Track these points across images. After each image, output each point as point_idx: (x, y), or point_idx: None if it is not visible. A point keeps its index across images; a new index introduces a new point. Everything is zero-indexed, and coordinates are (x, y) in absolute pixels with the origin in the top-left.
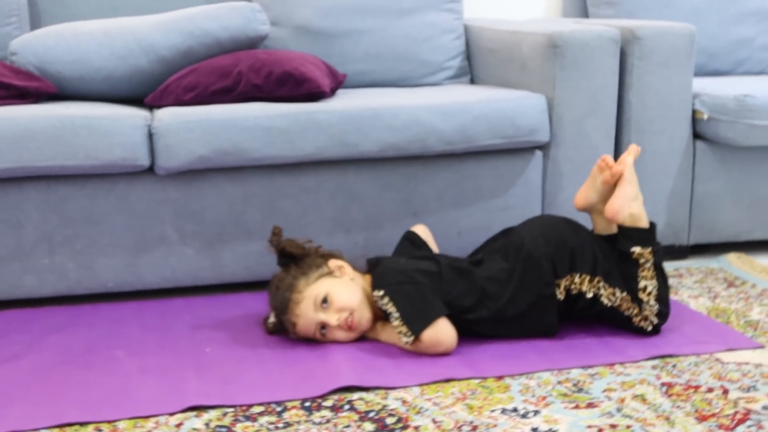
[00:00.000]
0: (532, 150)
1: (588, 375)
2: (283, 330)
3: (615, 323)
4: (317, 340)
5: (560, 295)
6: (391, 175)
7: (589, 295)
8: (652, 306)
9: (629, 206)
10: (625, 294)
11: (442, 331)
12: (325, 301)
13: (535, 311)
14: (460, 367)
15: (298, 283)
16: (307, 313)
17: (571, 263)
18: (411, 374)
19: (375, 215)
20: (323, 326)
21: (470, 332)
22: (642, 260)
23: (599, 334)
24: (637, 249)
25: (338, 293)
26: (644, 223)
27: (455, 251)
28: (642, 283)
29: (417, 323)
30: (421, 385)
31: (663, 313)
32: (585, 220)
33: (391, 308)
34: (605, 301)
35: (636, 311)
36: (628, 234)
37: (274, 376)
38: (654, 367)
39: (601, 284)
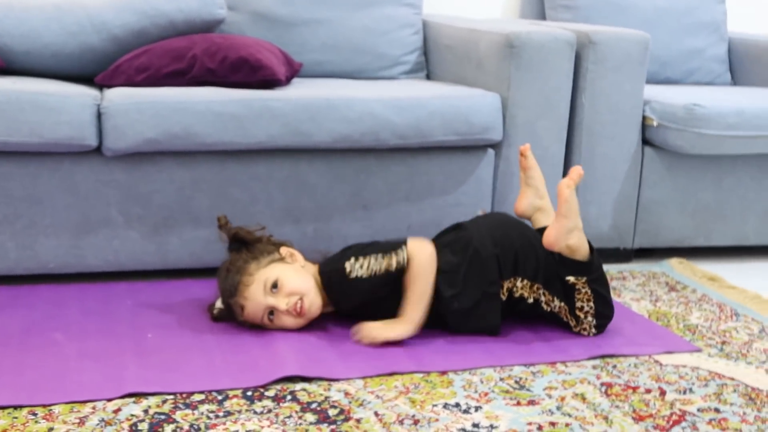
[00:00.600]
0: (484, 148)
1: (530, 372)
2: (228, 318)
3: (557, 324)
4: (264, 326)
5: (503, 295)
6: (343, 167)
7: (530, 300)
8: (589, 321)
9: (566, 238)
10: (563, 304)
11: (416, 240)
12: (275, 285)
13: (479, 309)
14: (404, 361)
15: (249, 266)
16: (256, 297)
17: (514, 266)
18: (355, 367)
19: (325, 206)
20: (271, 311)
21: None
22: (578, 286)
23: (543, 332)
24: (571, 278)
25: (289, 278)
26: (581, 255)
27: None
28: (578, 304)
29: (394, 246)
30: (364, 377)
31: (602, 325)
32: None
33: (364, 262)
34: (545, 307)
35: (574, 323)
36: (564, 262)
37: (217, 364)
38: (595, 367)
39: (541, 291)
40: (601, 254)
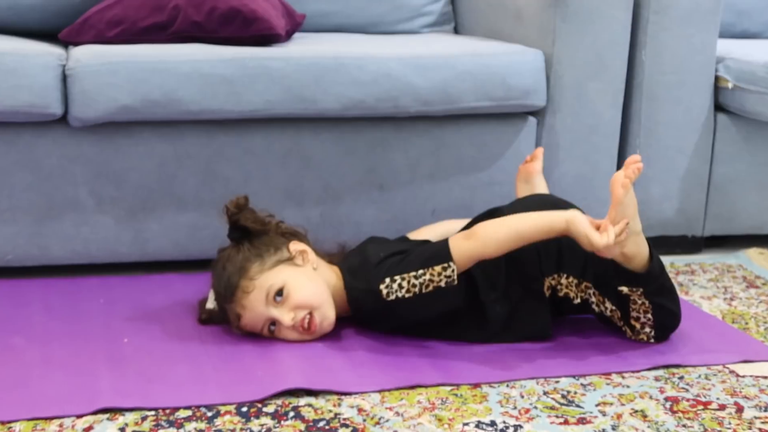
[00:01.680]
0: (524, 116)
1: (580, 385)
2: (220, 319)
3: (611, 327)
4: (264, 336)
5: (546, 292)
6: (355, 139)
7: (577, 300)
8: (647, 332)
9: (621, 244)
10: (616, 309)
11: (458, 241)
12: (280, 294)
13: (524, 310)
14: (429, 372)
15: (251, 268)
16: (256, 306)
17: (558, 261)
18: (370, 378)
19: (333, 186)
20: (273, 323)
21: (445, 335)
22: (633, 297)
23: (594, 336)
24: (624, 289)
25: (297, 287)
26: (639, 263)
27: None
28: (634, 314)
29: (438, 256)
30: (381, 391)
31: (662, 336)
32: (587, 205)
33: (403, 282)
34: (595, 308)
35: (629, 332)
36: (617, 270)
37: (206, 374)
38: (657, 379)
39: (591, 291)
40: (666, 244)
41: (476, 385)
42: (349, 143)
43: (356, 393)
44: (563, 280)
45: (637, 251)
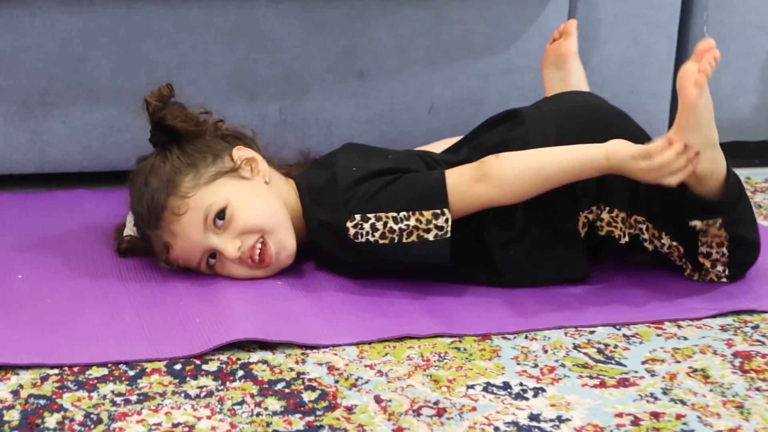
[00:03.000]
0: None
1: (622, 337)
2: (143, 250)
3: (663, 265)
4: (201, 273)
5: (581, 231)
6: (326, 10)
7: (624, 239)
8: (718, 271)
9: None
10: (676, 245)
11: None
12: (221, 216)
13: (549, 254)
14: (422, 319)
15: (182, 182)
16: (190, 233)
17: (598, 189)
18: (345, 326)
19: (297, 74)
20: (213, 254)
21: (445, 277)
22: (705, 230)
23: (640, 275)
24: (698, 223)
25: (245, 206)
26: (714, 184)
27: (422, 137)
28: (703, 249)
29: (433, 194)
30: (359, 344)
31: (737, 274)
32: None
33: (378, 223)
34: (648, 246)
35: (689, 269)
36: (687, 198)
37: (127, 321)
38: (724, 329)
39: (644, 226)
40: (740, 152)
41: (485, 337)
42: (319, 16)
43: (326, 346)
44: (605, 215)
45: (713, 168)
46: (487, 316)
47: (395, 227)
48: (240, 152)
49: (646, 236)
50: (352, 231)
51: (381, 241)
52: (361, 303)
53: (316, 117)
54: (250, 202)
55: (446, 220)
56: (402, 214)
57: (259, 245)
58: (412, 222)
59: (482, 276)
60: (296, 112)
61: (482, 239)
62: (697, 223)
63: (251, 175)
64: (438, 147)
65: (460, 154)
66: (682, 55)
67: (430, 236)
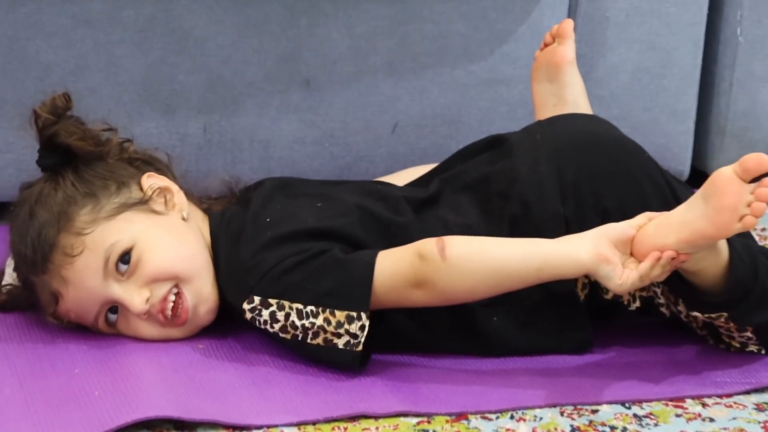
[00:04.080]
0: None
1: (632, 418)
2: (26, 303)
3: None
4: (99, 332)
5: (581, 292)
6: (263, 4)
7: (634, 304)
8: (751, 350)
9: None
10: (695, 315)
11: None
12: (126, 259)
13: (545, 320)
14: (382, 394)
15: (78, 214)
16: (86, 279)
17: None
18: (281, 402)
19: (226, 81)
20: (114, 308)
21: (415, 346)
22: (716, 323)
23: (654, 341)
24: (698, 315)
25: (156, 246)
26: (710, 281)
27: (383, 163)
28: (724, 332)
29: (351, 289)
30: (301, 424)
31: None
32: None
33: (280, 314)
34: (664, 311)
35: (715, 342)
36: (684, 287)
37: (6, 395)
38: (760, 408)
39: (658, 288)
40: None
41: (460, 416)
42: (254, 10)
43: (259, 427)
44: None
45: (707, 266)
46: (463, 390)
47: (298, 323)
48: (151, 180)
49: (661, 300)
50: (248, 315)
51: (281, 335)
52: (303, 373)
53: (249, 137)
54: (163, 243)
55: (361, 327)
56: (309, 308)
57: (172, 297)
58: (319, 321)
59: (459, 346)
60: (225, 130)
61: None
62: (698, 315)
63: (164, 209)
64: (403, 178)
65: (429, 188)
66: (709, 63)
67: (340, 343)
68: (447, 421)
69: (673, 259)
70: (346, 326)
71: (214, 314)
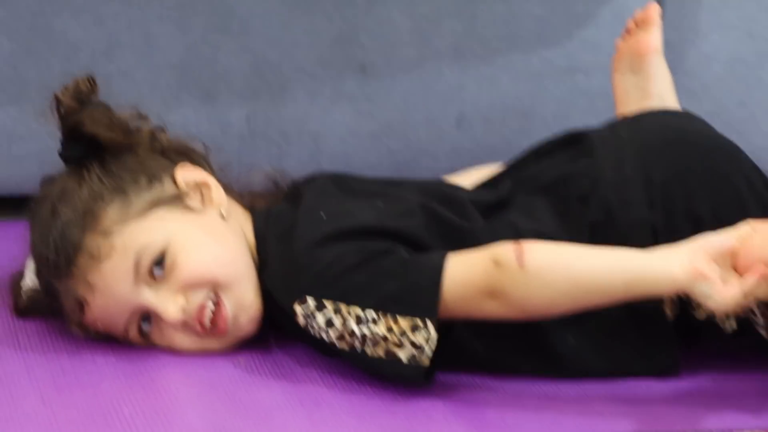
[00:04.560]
0: None
1: None
2: (48, 309)
3: None
4: (130, 342)
5: (669, 311)
6: None
7: (729, 325)
8: None
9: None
10: None
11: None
12: (160, 262)
13: (626, 342)
14: (445, 419)
15: (105, 212)
16: (115, 285)
17: None
18: (335, 427)
19: (274, 65)
20: (147, 317)
21: (480, 362)
22: None
23: (754, 363)
24: None
25: (192, 248)
26: None
27: (446, 160)
28: None
29: (418, 295)
30: None
31: None
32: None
33: (336, 319)
34: (763, 332)
35: None
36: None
37: (27, 412)
38: None
39: (757, 308)
40: None
41: None
42: None
43: None
44: None
45: None
46: (534, 417)
47: (357, 331)
48: (186, 173)
49: (760, 321)
50: (301, 319)
51: (338, 344)
52: (357, 392)
53: (298, 128)
54: (200, 244)
55: (427, 339)
56: (369, 313)
57: (211, 305)
58: (381, 329)
59: (530, 368)
60: (271, 119)
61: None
62: None
63: (201, 206)
64: (469, 178)
65: (499, 190)
66: None
67: (403, 355)
68: None
69: None
70: (410, 336)
71: (256, 324)
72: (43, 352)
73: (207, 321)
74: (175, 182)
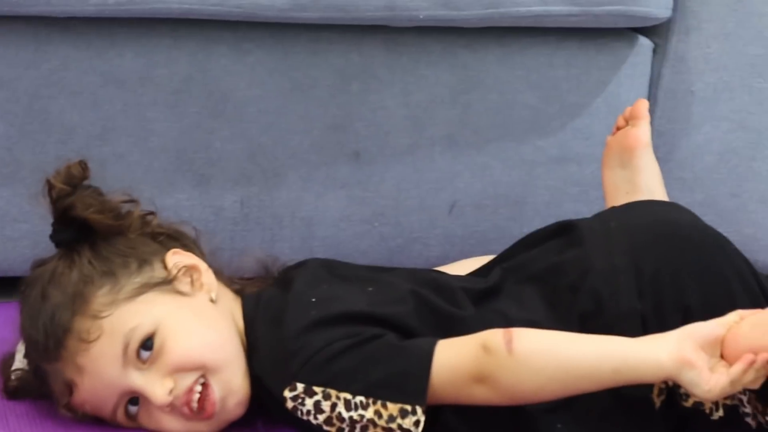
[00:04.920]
0: (630, 35)
1: None
2: (37, 391)
3: None
4: (118, 425)
5: (656, 400)
6: (310, 67)
7: (716, 413)
8: None
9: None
10: None
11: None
12: (147, 346)
13: (612, 427)
14: None
15: (95, 295)
16: (104, 368)
17: None
18: None
19: (268, 151)
20: (135, 400)
21: None
22: None
23: None
24: None
25: (181, 331)
26: None
27: (438, 246)
28: None
29: (407, 380)
30: None
31: None
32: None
33: (325, 404)
34: (750, 422)
35: None
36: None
37: None
38: None
39: (745, 396)
40: None
41: None
42: (300, 73)
43: None
44: None
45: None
46: None
47: (345, 415)
48: (177, 257)
49: (747, 409)
50: (290, 403)
51: (325, 428)
52: None
53: (291, 212)
54: (189, 328)
55: (416, 423)
56: (358, 399)
57: (199, 387)
58: (369, 414)
59: None
60: (264, 204)
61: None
62: None
63: (191, 290)
64: (460, 268)
65: (489, 278)
66: None
67: None
68: None
69: None
70: (399, 420)
71: (244, 408)
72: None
73: (194, 404)
74: (165, 266)
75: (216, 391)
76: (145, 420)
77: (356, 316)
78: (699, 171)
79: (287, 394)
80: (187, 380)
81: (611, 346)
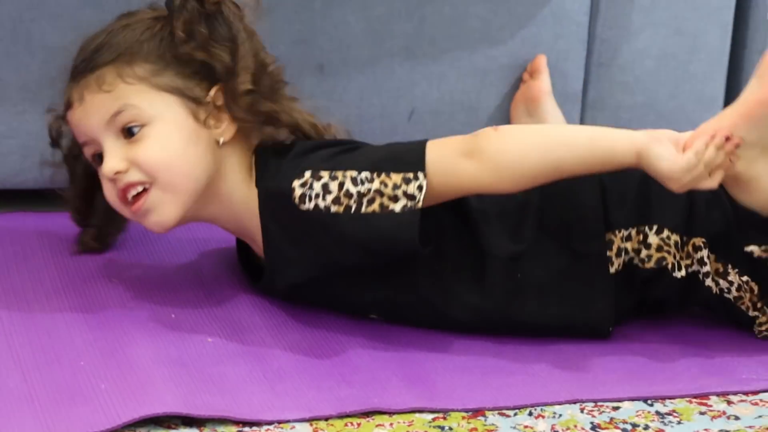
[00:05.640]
0: None
1: (655, 415)
2: (99, 243)
3: (725, 319)
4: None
5: (614, 263)
6: None
7: (678, 273)
8: None
9: (728, 166)
10: (747, 279)
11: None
12: (131, 131)
13: (565, 287)
14: (397, 389)
15: (138, 64)
16: (92, 116)
17: (641, 206)
18: (293, 398)
19: None
20: (100, 155)
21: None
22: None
23: (680, 331)
24: (754, 249)
25: (162, 140)
26: (764, 196)
27: None
28: None
29: (406, 157)
30: (313, 420)
31: None
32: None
33: (333, 184)
34: (711, 285)
35: (765, 318)
36: (740, 215)
37: (10, 388)
38: None
39: (703, 253)
40: None
41: (477, 413)
42: None
43: (270, 422)
44: (652, 238)
45: (760, 173)
46: (480, 385)
47: (353, 190)
48: (221, 95)
49: (707, 269)
50: (298, 191)
51: (333, 208)
52: (316, 367)
53: None
54: (171, 144)
55: (419, 187)
56: (364, 174)
57: (140, 188)
58: (375, 185)
59: (466, 294)
60: None
61: (481, 248)
62: (754, 249)
63: (205, 123)
64: None
65: None
66: (738, 48)
67: (397, 206)
68: (463, 418)
69: (727, 140)
70: (404, 187)
71: (160, 228)
72: (25, 331)
73: (130, 197)
74: (207, 92)
75: (148, 201)
76: (101, 177)
77: (353, 142)
78: (640, 75)
79: (296, 183)
80: (136, 176)
81: (586, 135)
